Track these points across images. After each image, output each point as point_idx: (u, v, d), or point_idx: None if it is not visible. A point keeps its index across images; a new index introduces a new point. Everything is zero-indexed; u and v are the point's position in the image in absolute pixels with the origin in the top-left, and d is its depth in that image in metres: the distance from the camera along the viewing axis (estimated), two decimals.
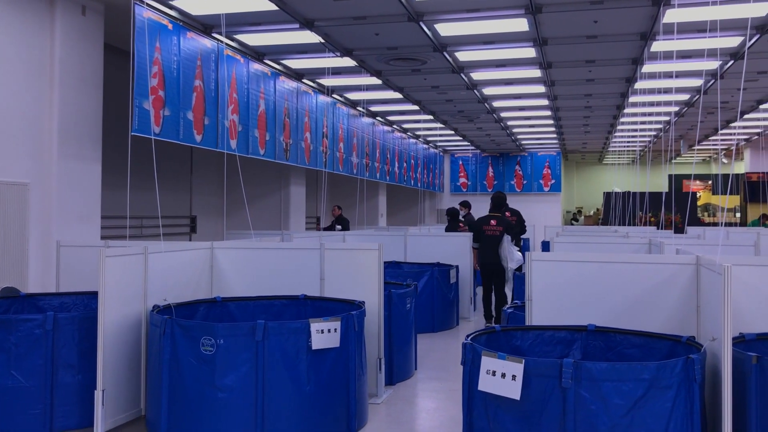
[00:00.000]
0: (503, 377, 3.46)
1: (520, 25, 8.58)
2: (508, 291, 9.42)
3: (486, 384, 3.53)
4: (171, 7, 7.85)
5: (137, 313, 5.15)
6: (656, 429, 3.30)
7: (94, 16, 7.70)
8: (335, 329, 4.68)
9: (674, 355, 3.91)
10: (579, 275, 4.63)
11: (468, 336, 3.97)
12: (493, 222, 9.31)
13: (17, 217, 6.85)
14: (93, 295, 5.83)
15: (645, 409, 3.30)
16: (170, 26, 7.71)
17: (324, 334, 4.62)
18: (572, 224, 24.62)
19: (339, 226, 13.57)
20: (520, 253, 9.18)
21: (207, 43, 8.52)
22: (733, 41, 9.28)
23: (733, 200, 23.71)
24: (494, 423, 3.54)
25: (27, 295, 5.80)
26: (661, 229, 13.27)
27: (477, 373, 3.59)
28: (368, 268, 5.81)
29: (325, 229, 13.96)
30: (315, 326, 4.59)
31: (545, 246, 14.30)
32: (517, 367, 3.43)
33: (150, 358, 4.93)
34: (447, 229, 12.13)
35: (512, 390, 3.43)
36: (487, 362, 3.53)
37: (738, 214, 23.09)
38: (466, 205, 13.80)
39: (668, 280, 4.41)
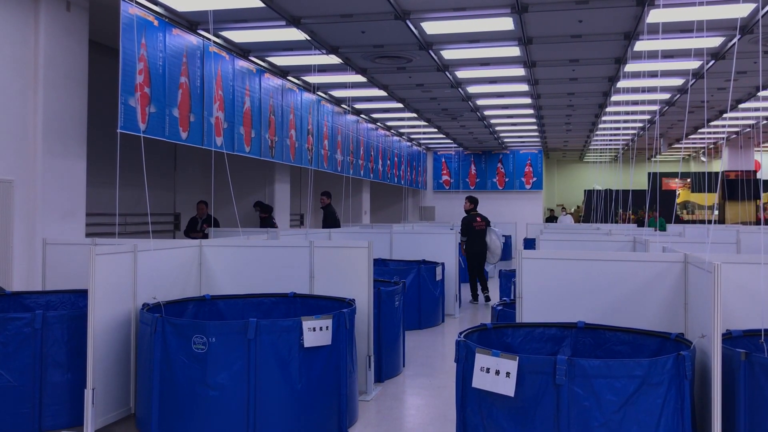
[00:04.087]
0: (497, 374, 3.49)
1: (506, 24, 8.62)
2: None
3: (480, 381, 3.56)
4: (157, 3, 7.79)
5: (127, 311, 5.12)
6: (648, 425, 3.35)
7: (79, 12, 7.62)
8: (327, 327, 4.69)
9: (663, 351, 3.97)
10: (569, 273, 4.68)
11: (460, 333, 4.00)
12: (478, 219, 11.75)
13: (2, 214, 6.77)
14: (79, 294, 5.78)
15: (637, 405, 3.35)
16: (156, 23, 7.65)
17: (316, 332, 4.62)
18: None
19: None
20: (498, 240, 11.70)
21: (193, 39, 8.46)
22: (714, 41, 9.40)
23: (711, 198, 23.98)
24: (488, 420, 3.57)
25: (13, 294, 5.74)
26: (645, 226, 13.39)
27: (470, 370, 3.62)
28: (358, 266, 5.82)
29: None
30: (307, 324, 4.59)
31: (528, 243, 14.38)
32: (511, 364, 3.47)
33: (140, 357, 4.91)
34: (261, 225, 11.98)
35: (506, 387, 3.46)
36: (481, 359, 3.56)
37: (716, 212, 23.38)
38: (327, 195, 13.51)
39: (657, 278, 4.47)
